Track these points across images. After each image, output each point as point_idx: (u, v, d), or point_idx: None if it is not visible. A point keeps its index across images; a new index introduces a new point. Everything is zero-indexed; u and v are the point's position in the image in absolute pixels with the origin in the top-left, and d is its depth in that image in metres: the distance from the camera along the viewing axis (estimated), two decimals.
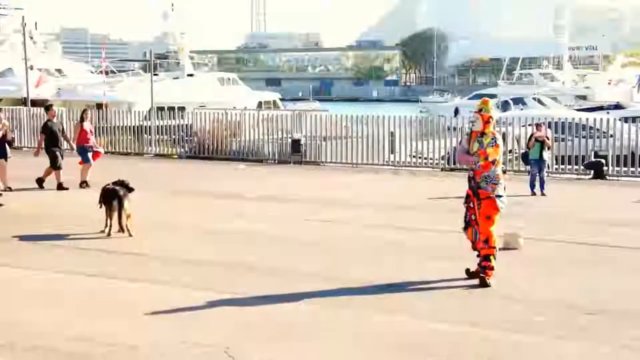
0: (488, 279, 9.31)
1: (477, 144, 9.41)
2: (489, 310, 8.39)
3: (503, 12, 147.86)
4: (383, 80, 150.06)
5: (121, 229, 12.30)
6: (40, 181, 17.90)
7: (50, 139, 17.98)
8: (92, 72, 48.82)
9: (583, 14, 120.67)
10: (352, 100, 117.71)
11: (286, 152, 24.90)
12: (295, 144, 24.65)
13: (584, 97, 56.41)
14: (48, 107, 18.93)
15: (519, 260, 10.83)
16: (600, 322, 8.01)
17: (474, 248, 9.56)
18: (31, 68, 36.15)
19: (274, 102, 45.33)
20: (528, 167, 19.33)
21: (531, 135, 18.60)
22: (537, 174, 17.97)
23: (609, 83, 61.85)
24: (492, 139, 9.35)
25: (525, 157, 19.55)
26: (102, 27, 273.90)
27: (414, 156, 24.17)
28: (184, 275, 9.92)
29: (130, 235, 12.22)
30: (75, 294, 9.06)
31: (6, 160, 17.34)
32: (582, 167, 21.86)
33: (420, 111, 54.15)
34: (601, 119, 23.61)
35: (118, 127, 27.55)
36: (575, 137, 22.84)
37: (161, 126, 27.50)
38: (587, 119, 23.82)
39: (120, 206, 12.19)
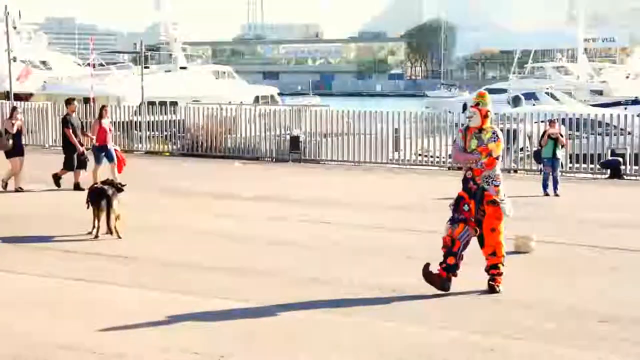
0: (497, 286, 9.30)
1: (476, 141, 9.18)
2: (498, 318, 8.39)
3: (514, 2, 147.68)
4: (387, 74, 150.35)
5: (109, 231, 12.31)
6: (56, 178, 17.88)
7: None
8: (79, 64, 48.81)
9: (599, 3, 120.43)
10: (354, 94, 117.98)
11: (284, 149, 24.92)
12: (294, 141, 24.65)
13: (600, 92, 56.37)
14: (68, 101, 18.64)
15: (529, 265, 10.84)
16: (614, 329, 8.01)
17: (445, 247, 9.27)
18: (14, 60, 36.10)
19: (272, 96, 45.28)
20: (540, 166, 19.35)
21: (544, 132, 18.62)
22: (550, 174, 17.97)
23: (627, 77, 61.81)
24: (493, 133, 9.17)
25: (537, 156, 19.56)
26: (90, 16, 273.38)
27: (419, 154, 24.19)
28: (174, 279, 9.93)
29: (119, 237, 12.24)
30: (59, 299, 9.05)
31: (23, 156, 17.49)
32: (598, 166, 21.89)
33: (426, 107, 54.17)
34: (618, 115, 23.64)
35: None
36: (591, 134, 22.87)
37: (152, 122, 27.51)
38: (603, 115, 23.83)
39: (109, 207, 12.20)
